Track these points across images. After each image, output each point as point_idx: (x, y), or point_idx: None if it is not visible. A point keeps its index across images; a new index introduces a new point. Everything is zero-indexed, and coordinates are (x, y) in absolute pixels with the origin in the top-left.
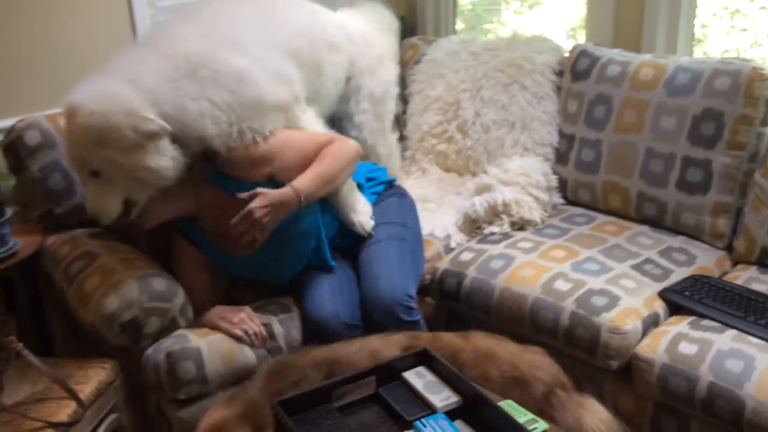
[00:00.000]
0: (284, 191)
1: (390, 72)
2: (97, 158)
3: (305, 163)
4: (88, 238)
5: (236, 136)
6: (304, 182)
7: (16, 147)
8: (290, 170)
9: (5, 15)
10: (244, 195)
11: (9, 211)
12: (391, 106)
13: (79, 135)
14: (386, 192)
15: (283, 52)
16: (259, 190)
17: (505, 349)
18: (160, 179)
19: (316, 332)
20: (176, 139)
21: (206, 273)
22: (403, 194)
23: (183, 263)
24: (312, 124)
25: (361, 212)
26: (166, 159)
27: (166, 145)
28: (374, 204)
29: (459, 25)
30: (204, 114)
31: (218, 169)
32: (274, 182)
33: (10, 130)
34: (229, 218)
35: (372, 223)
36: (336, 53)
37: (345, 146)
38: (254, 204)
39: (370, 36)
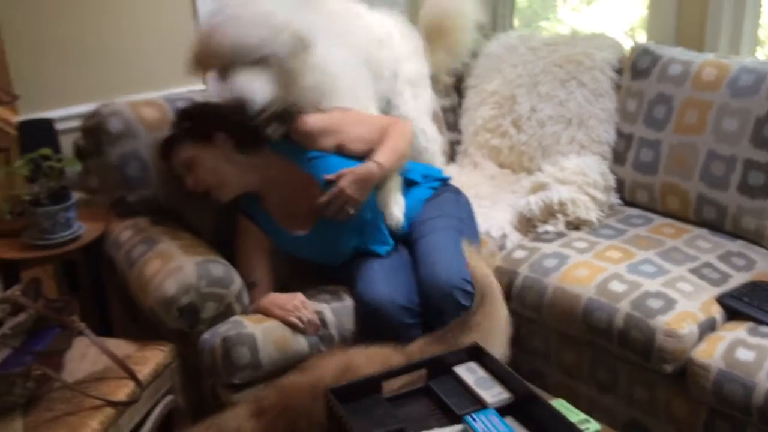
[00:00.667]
0: (368, 165)
1: (422, 64)
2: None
3: (371, 138)
4: (149, 223)
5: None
6: (383, 156)
7: (97, 132)
8: (357, 142)
9: (80, 3)
10: (330, 177)
11: (74, 196)
12: (427, 97)
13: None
14: (442, 188)
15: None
16: (344, 170)
17: (357, 355)
18: (303, 91)
19: (370, 315)
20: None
21: (268, 258)
22: (458, 192)
23: (247, 246)
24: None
25: (398, 206)
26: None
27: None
28: (430, 198)
29: (514, 22)
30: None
31: (287, 136)
32: (342, 155)
33: (92, 114)
34: (293, 194)
35: (402, 218)
36: (383, 50)
37: (406, 126)
38: (344, 182)
39: (404, 31)
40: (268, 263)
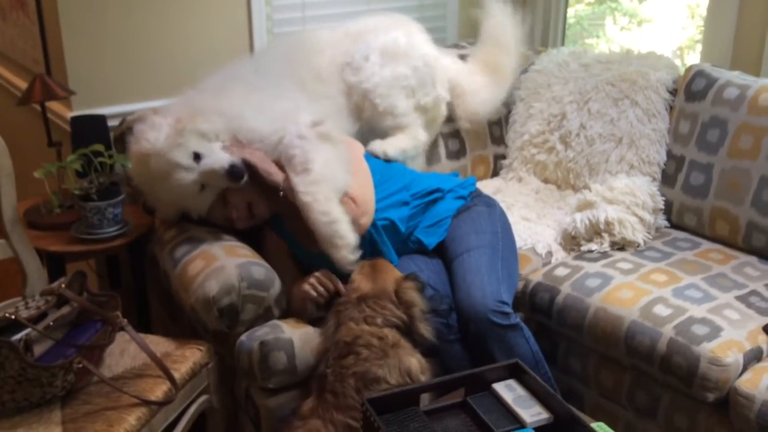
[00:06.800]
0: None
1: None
2: None
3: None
4: (193, 224)
5: None
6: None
7: (125, 136)
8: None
9: (129, 8)
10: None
11: (123, 193)
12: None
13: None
14: (473, 200)
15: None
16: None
17: None
18: None
19: None
20: None
21: (291, 261)
22: (490, 204)
23: (270, 252)
24: None
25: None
26: None
27: None
28: (460, 210)
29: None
30: None
31: None
32: None
33: (121, 123)
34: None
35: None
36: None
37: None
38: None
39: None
40: (292, 265)
